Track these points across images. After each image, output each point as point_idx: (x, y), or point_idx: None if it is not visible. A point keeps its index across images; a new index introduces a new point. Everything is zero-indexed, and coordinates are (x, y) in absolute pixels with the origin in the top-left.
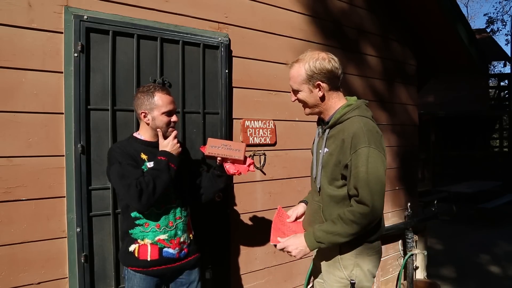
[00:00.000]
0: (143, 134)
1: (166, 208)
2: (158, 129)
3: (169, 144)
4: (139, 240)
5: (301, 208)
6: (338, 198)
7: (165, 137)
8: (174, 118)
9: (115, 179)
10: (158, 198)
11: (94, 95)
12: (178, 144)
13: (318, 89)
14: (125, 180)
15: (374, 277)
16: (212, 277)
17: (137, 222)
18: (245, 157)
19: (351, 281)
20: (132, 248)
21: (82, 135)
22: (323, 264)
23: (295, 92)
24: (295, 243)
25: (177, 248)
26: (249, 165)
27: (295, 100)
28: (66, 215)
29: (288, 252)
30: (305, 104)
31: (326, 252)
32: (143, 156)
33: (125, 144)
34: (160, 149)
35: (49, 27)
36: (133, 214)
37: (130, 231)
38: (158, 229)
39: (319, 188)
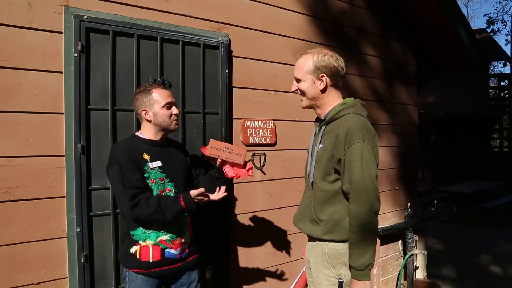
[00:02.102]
0: (146, 133)
1: None
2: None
3: (198, 196)
4: (140, 242)
5: None
6: (330, 194)
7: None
8: (175, 110)
9: (113, 181)
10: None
11: (94, 95)
12: (203, 199)
13: (320, 81)
14: (123, 185)
15: None
16: (212, 277)
17: (138, 223)
18: (245, 162)
19: (339, 280)
20: (133, 249)
21: (82, 135)
22: (312, 262)
23: (298, 81)
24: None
25: (178, 248)
26: (248, 170)
27: (295, 90)
28: (66, 215)
29: None
30: (304, 96)
31: (314, 250)
32: (146, 156)
33: (128, 144)
34: (190, 192)
35: (49, 27)
36: None
37: (131, 232)
38: (160, 229)
39: (312, 183)
